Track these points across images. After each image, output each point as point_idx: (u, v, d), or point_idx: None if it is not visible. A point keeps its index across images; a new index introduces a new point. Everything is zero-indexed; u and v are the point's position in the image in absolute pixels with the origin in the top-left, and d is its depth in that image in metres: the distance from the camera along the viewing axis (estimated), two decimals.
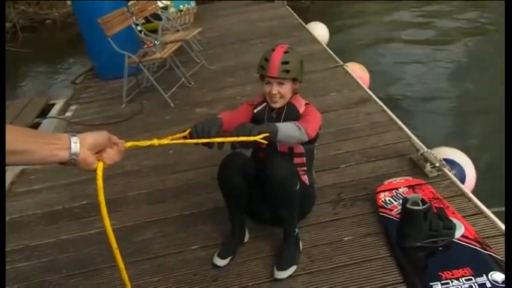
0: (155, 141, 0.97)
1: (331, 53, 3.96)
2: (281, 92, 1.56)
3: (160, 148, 2.77)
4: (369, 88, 3.21)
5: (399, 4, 8.09)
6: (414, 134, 2.37)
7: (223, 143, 1.23)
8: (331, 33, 5.10)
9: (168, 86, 3.57)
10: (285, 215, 1.58)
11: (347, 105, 2.90)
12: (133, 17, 3.78)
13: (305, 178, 1.70)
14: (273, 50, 1.56)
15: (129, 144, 0.88)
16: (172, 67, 3.78)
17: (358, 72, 3.48)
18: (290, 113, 1.61)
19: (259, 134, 1.24)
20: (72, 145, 0.71)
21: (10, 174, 2.62)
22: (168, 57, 3.56)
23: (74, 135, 0.73)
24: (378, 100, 2.87)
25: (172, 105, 3.41)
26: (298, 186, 1.54)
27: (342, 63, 3.62)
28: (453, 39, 5.92)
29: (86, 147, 0.73)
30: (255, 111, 1.67)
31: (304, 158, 1.68)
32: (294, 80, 1.59)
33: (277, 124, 1.37)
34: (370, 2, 8.41)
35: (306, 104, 1.65)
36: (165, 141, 1.02)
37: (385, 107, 2.75)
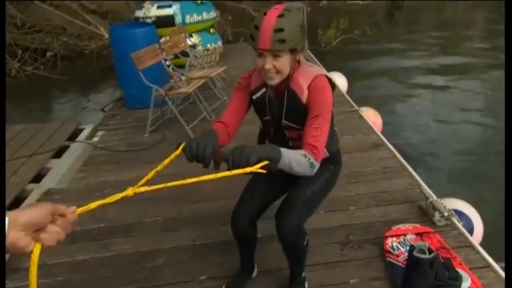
0: (129, 191, 0.81)
1: (348, 97, 4.11)
2: (277, 67, 1.27)
3: (178, 178, 2.90)
4: (381, 133, 3.30)
5: (415, 53, 8.39)
6: (424, 182, 2.42)
7: (219, 164, 1.11)
8: (348, 78, 5.29)
9: (190, 119, 3.76)
10: (292, 263, 1.61)
11: (360, 149, 2.99)
12: (164, 53, 4.07)
13: (325, 152, 1.40)
14: (265, 13, 1.24)
15: (94, 205, 0.73)
16: (195, 101, 3.98)
17: (372, 117, 3.59)
18: (292, 100, 1.36)
19: (258, 161, 1.05)
20: None
21: (36, 193, 2.78)
22: (193, 92, 3.78)
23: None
24: (390, 146, 2.95)
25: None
26: (305, 242, 1.50)
27: (357, 107, 3.75)
28: (468, 91, 6.01)
29: (18, 227, 0.60)
30: (254, 97, 1.43)
31: None
32: (293, 50, 1.28)
33: (282, 151, 1.14)
34: (387, 42, 8.75)
35: (314, 80, 1.34)
36: (142, 188, 0.83)
37: (396, 153, 2.83)
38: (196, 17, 5.53)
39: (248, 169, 1.03)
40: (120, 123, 4.19)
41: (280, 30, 1.21)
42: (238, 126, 1.45)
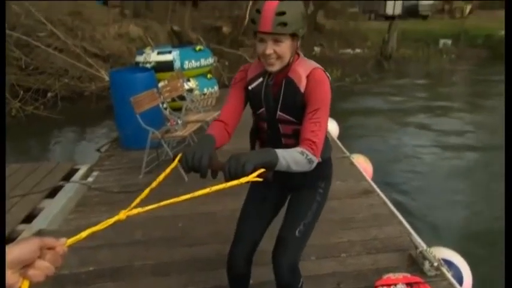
0: (122, 214, 0.79)
1: (339, 143, 4.23)
2: (278, 52, 1.26)
3: (170, 221, 2.88)
4: (372, 179, 3.38)
5: (401, 97, 8.83)
6: (414, 229, 2.46)
7: (216, 173, 1.09)
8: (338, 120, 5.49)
9: None
10: None
11: (351, 195, 3.04)
12: (161, 97, 4.21)
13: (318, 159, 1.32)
14: None
15: (85, 233, 0.71)
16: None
17: (363, 164, 3.69)
18: (289, 88, 1.34)
19: (254, 170, 1.02)
20: None
21: (27, 233, 2.75)
22: (189, 135, 3.87)
23: None
24: (380, 193, 3.02)
25: (186, 179, 3.60)
26: (300, 284, 1.50)
27: (348, 154, 3.86)
28: (460, 137, 6.25)
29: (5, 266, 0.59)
30: (249, 88, 1.41)
31: None
32: (294, 35, 1.27)
33: (278, 153, 1.11)
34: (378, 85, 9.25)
35: (312, 71, 1.32)
36: (135, 210, 0.80)
37: (386, 200, 2.89)
38: (194, 63, 5.80)
39: (244, 179, 1.00)
40: (115, 164, 4.23)
41: (282, 13, 1.21)
42: (237, 122, 1.44)
